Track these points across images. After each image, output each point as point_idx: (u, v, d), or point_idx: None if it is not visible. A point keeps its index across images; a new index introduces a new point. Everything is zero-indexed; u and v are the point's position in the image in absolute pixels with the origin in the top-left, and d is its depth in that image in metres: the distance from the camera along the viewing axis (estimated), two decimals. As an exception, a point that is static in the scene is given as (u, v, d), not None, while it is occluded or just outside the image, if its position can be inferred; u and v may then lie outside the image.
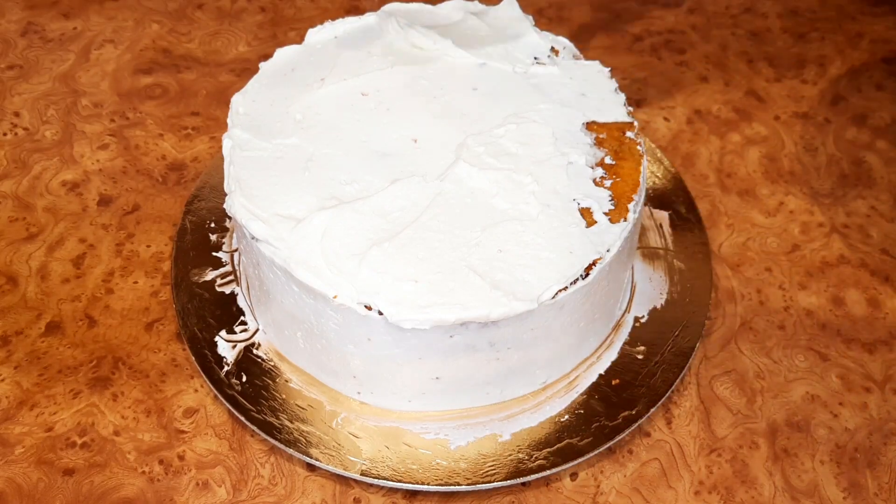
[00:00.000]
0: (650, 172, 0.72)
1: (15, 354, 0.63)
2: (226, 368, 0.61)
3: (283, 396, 0.60)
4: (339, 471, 0.57)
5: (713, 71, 0.84)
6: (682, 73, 0.84)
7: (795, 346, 0.65)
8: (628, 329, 0.64)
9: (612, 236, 0.56)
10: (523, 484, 0.58)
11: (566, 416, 0.59)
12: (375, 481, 0.57)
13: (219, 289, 0.65)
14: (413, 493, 0.58)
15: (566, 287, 0.54)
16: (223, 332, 0.63)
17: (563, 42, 0.68)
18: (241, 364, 0.61)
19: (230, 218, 0.68)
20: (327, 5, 0.89)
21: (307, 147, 0.60)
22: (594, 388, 0.61)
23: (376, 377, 0.58)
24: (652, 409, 0.59)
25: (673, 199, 0.71)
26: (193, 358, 0.62)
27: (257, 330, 0.63)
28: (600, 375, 0.61)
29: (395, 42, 0.66)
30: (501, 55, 0.66)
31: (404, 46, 0.66)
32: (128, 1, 0.88)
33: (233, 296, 0.65)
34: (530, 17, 0.69)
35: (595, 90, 0.64)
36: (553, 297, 0.53)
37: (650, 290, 0.66)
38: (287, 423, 0.58)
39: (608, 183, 0.59)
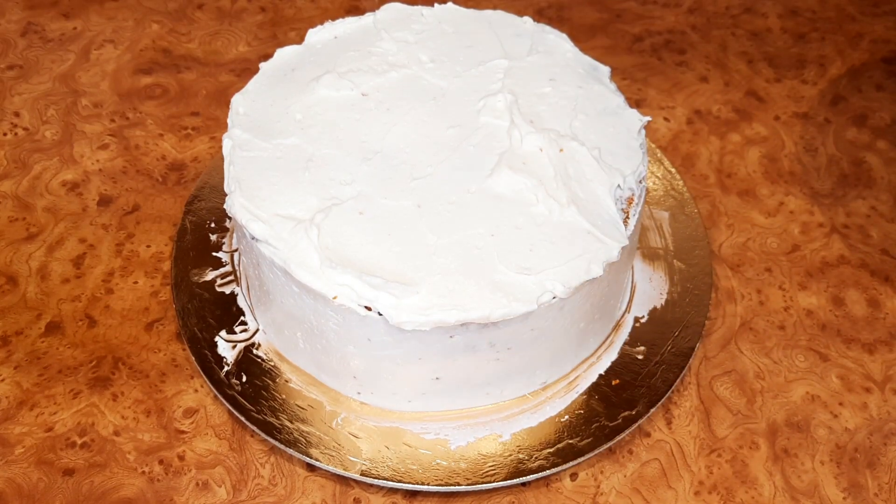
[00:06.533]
0: (650, 172, 0.72)
1: (15, 354, 0.63)
2: (226, 368, 0.61)
3: (283, 396, 0.60)
4: (339, 471, 0.57)
5: (713, 71, 0.84)
6: (682, 73, 0.84)
7: (795, 347, 0.65)
8: (628, 329, 0.64)
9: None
10: (523, 484, 0.58)
11: (566, 417, 0.59)
12: (375, 481, 0.57)
13: (219, 289, 0.65)
14: (413, 494, 0.58)
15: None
16: (223, 332, 0.63)
17: (554, 33, 0.67)
18: (241, 364, 0.61)
19: (230, 218, 0.68)
20: (327, 5, 0.89)
21: (307, 147, 0.60)
22: (594, 389, 0.61)
23: (376, 377, 0.57)
24: (652, 410, 0.59)
25: (673, 199, 0.71)
26: (193, 358, 0.62)
27: (257, 330, 0.63)
28: (600, 376, 0.61)
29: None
30: (499, 52, 0.66)
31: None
32: (128, 1, 0.88)
33: (233, 296, 0.65)
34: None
35: (589, 81, 0.64)
36: (553, 299, 0.53)
37: (650, 290, 0.66)
38: (287, 423, 0.58)
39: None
